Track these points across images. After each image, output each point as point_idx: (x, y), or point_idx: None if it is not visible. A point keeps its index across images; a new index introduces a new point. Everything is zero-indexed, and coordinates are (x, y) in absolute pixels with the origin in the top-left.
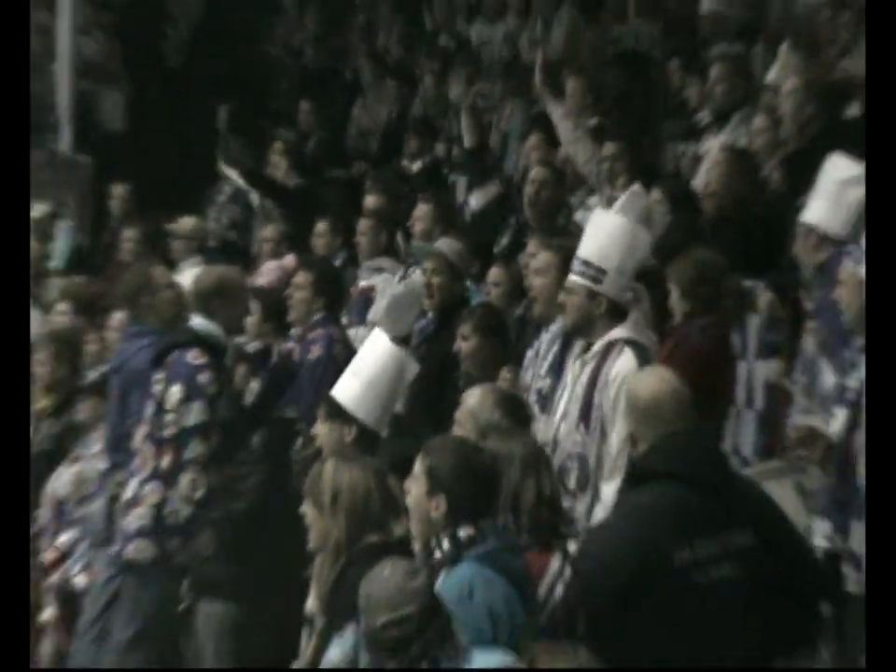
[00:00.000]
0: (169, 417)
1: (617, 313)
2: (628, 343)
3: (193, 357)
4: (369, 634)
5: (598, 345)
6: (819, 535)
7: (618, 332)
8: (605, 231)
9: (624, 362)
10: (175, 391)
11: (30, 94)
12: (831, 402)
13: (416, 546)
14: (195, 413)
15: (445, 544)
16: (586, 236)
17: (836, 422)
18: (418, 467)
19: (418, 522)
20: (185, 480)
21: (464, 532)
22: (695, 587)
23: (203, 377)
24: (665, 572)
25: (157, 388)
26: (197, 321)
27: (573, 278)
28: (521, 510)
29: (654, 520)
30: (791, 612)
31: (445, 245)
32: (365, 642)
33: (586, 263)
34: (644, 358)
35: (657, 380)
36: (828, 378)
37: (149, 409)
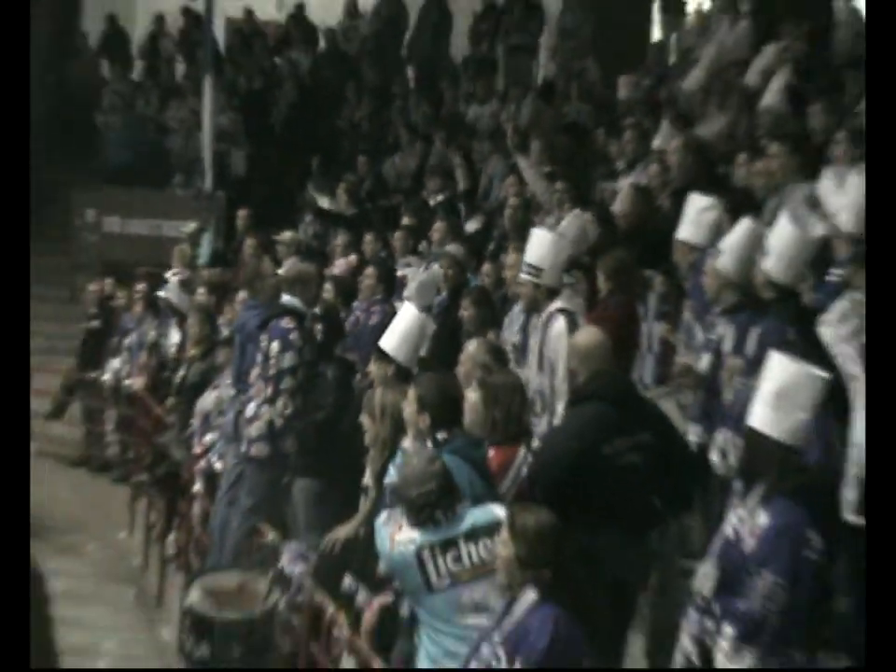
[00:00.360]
0: (271, 362)
1: (555, 293)
2: (560, 311)
3: (285, 322)
4: (404, 501)
5: (543, 316)
6: (693, 434)
7: (554, 305)
8: (540, 243)
9: (558, 324)
10: (275, 346)
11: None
12: (700, 350)
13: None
14: (287, 360)
15: (429, 444)
16: (529, 247)
17: (703, 361)
18: (411, 394)
19: (412, 431)
20: (279, 402)
21: (440, 435)
22: (615, 468)
23: (293, 335)
24: (596, 457)
25: (263, 344)
26: (286, 298)
27: (522, 276)
28: (509, 418)
29: (588, 425)
30: (677, 487)
31: (454, 249)
32: (401, 506)
33: (529, 265)
34: (571, 320)
35: (590, 334)
36: (699, 334)
37: (259, 357)
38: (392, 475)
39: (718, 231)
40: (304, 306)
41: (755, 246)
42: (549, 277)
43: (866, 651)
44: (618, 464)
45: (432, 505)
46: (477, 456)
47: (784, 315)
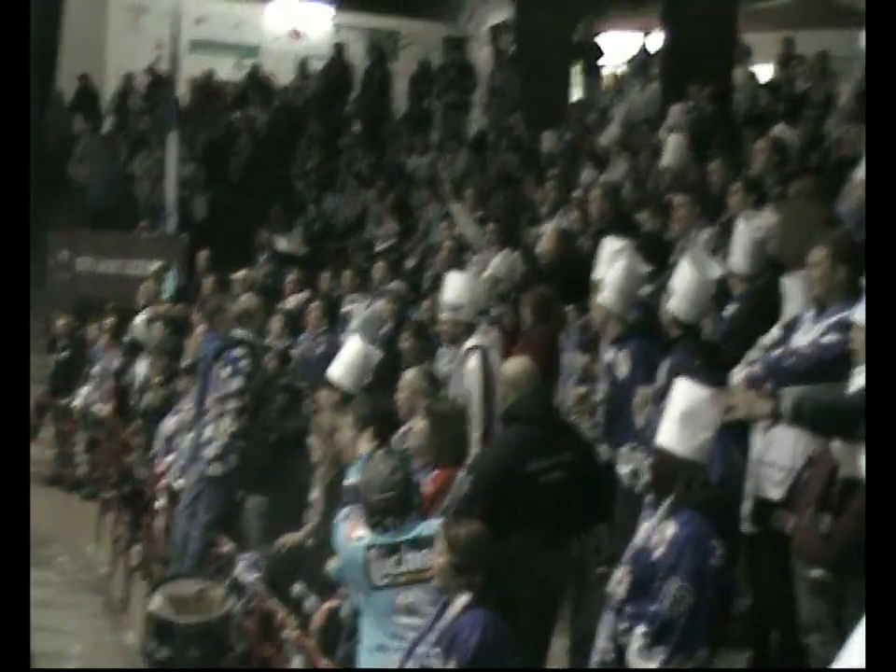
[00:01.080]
0: (220, 385)
1: (471, 328)
2: (475, 347)
3: (237, 352)
4: (367, 504)
5: (462, 351)
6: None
7: (470, 342)
8: (458, 284)
9: (473, 360)
10: (225, 372)
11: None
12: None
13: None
14: (235, 383)
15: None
16: (446, 289)
17: (601, 390)
18: (347, 419)
19: (347, 455)
20: (226, 420)
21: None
22: (540, 484)
23: (242, 363)
24: (522, 474)
25: (216, 373)
26: (237, 331)
27: (443, 315)
28: (453, 442)
29: (515, 445)
30: (595, 500)
31: (396, 286)
32: (362, 508)
33: (449, 304)
34: (484, 355)
35: (517, 362)
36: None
37: (213, 384)
38: (355, 477)
39: None
40: (254, 336)
41: (633, 282)
42: (466, 314)
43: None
44: (542, 480)
45: (387, 511)
46: (409, 469)
47: (690, 349)
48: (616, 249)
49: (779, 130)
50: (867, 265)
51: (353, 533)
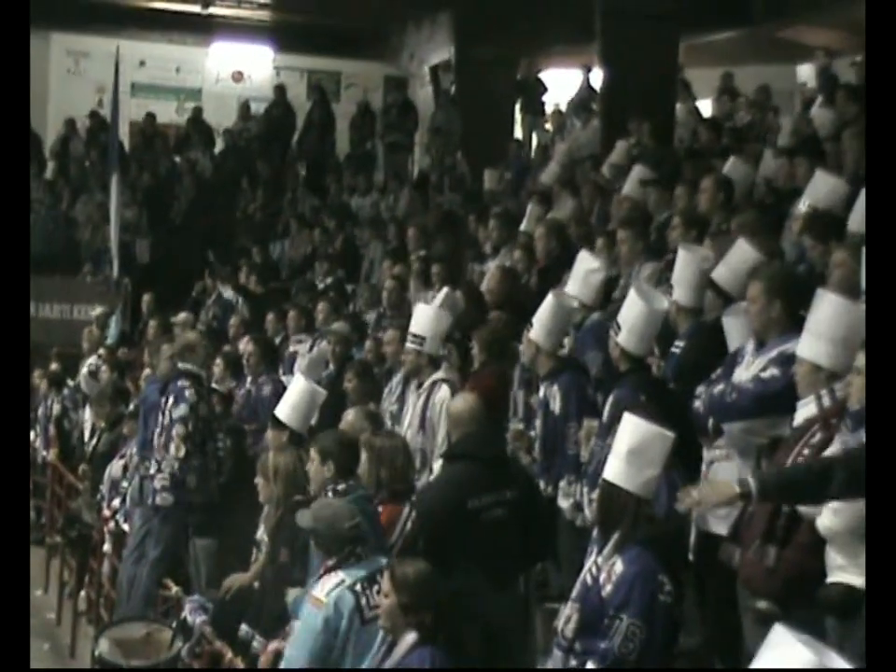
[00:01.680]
0: (166, 415)
1: (435, 362)
2: (444, 380)
3: (181, 382)
4: (333, 537)
5: (427, 383)
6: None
7: (438, 374)
8: (422, 315)
9: (443, 392)
10: (170, 400)
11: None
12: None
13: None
14: (179, 411)
15: (330, 494)
16: (413, 319)
17: (537, 425)
18: (313, 449)
19: (316, 483)
20: (171, 447)
21: (341, 486)
22: (481, 522)
23: (187, 392)
24: (463, 512)
25: (162, 405)
26: (181, 364)
27: (408, 345)
28: (394, 477)
29: (456, 482)
30: (539, 537)
31: (339, 327)
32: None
33: (413, 334)
34: (453, 389)
35: (462, 401)
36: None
37: (160, 418)
38: (307, 523)
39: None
40: (198, 368)
41: (563, 318)
42: (430, 346)
43: (866, 650)
44: (484, 518)
45: (357, 540)
46: (370, 509)
47: (637, 384)
48: (592, 268)
49: (731, 164)
50: (867, 266)
51: (327, 586)
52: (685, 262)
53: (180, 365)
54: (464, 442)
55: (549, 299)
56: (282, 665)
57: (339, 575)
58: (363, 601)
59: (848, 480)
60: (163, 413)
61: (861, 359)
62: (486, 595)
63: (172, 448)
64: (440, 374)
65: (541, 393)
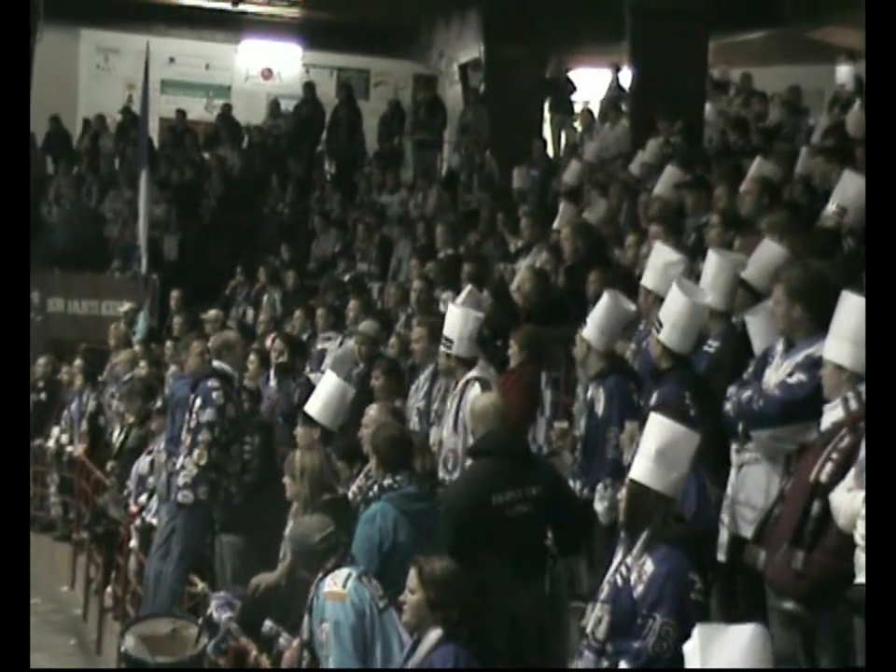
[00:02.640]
0: (193, 416)
1: (468, 362)
2: (477, 379)
3: (211, 383)
4: (307, 553)
5: (461, 383)
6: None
7: (470, 374)
8: (451, 317)
9: (474, 391)
10: (198, 402)
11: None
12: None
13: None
14: (206, 415)
15: (375, 489)
16: (446, 322)
17: (581, 426)
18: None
19: (364, 474)
20: (196, 452)
21: (386, 481)
22: (506, 517)
23: (215, 394)
24: (487, 507)
25: (191, 403)
26: (214, 363)
27: (441, 348)
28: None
29: (479, 478)
30: (565, 533)
31: (367, 325)
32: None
33: (445, 337)
34: (486, 387)
35: (485, 397)
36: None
37: (187, 415)
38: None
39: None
40: (231, 369)
41: (618, 319)
42: (457, 348)
43: (866, 652)
44: (509, 514)
45: (335, 549)
46: (413, 509)
47: (682, 381)
48: (671, 261)
49: (757, 164)
50: (867, 273)
51: (339, 579)
52: (719, 267)
53: (215, 363)
54: (487, 439)
55: (605, 298)
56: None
57: (343, 570)
58: (372, 590)
59: None
60: (191, 413)
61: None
62: (511, 591)
63: (195, 454)
64: (473, 373)
65: (588, 394)
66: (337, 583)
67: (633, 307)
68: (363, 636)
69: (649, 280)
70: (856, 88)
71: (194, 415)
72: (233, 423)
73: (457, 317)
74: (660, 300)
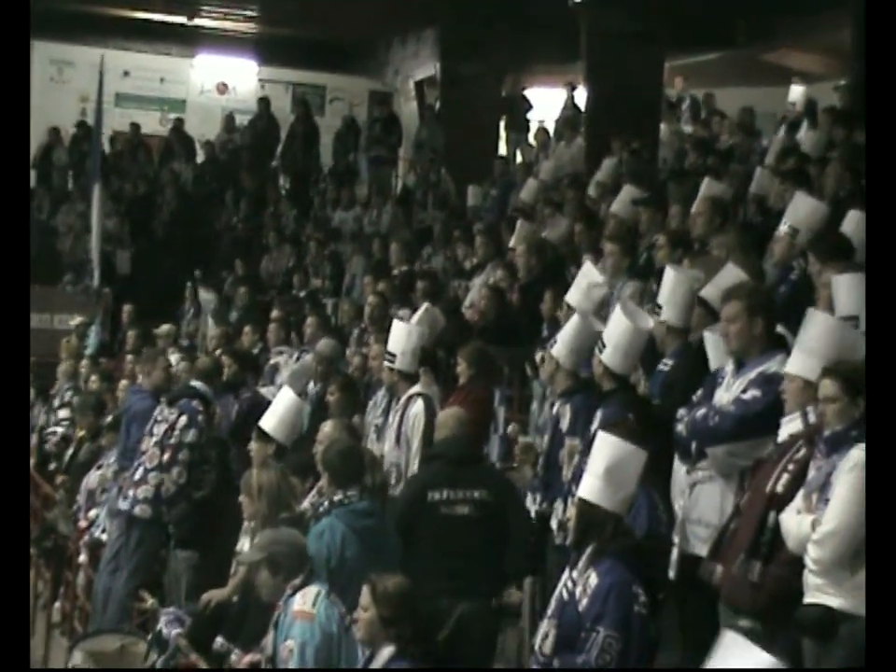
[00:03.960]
0: (175, 433)
1: (411, 377)
2: (419, 395)
3: (196, 404)
4: (295, 556)
5: (403, 399)
6: (533, 503)
7: (413, 389)
8: (395, 333)
9: (417, 406)
10: (182, 420)
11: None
12: (543, 429)
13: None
14: (190, 435)
15: (326, 504)
16: (390, 336)
17: (544, 441)
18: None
19: (316, 490)
20: (175, 471)
21: (337, 497)
22: (441, 515)
23: (200, 416)
24: (422, 504)
25: (171, 417)
26: (197, 383)
27: (384, 363)
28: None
29: (420, 477)
30: (513, 549)
31: (324, 344)
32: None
33: (388, 352)
34: (428, 403)
35: (446, 412)
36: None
37: (162, 427)
38: (257, 555)
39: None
40: (211, 395)
41: (587, 338)
42: (400, 363)
43: (866, 650)
44: (445, 512)
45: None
46: (362, 525)
47: (624, 402)
48: (595, 282)
49: (706, 184)
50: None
51: (308, 598)
52: (676, 282)
53: (197, 384)
54: (437, 445)
55: (574, 318)
56: None
57: (313, 588)
58: (341, 609)
59: None
60: (171, 428)
61: (827, 388)
62: (453, 596)
63: (174, 472)
64: (415, 389)
65: (554, 410)
66: (307, 602)
67: (603, 327)
68: (328, 656)
69: (571, 297)
70: (805, 109)
71: (177, 433)
72: (202, 447)
73: (401, 332)
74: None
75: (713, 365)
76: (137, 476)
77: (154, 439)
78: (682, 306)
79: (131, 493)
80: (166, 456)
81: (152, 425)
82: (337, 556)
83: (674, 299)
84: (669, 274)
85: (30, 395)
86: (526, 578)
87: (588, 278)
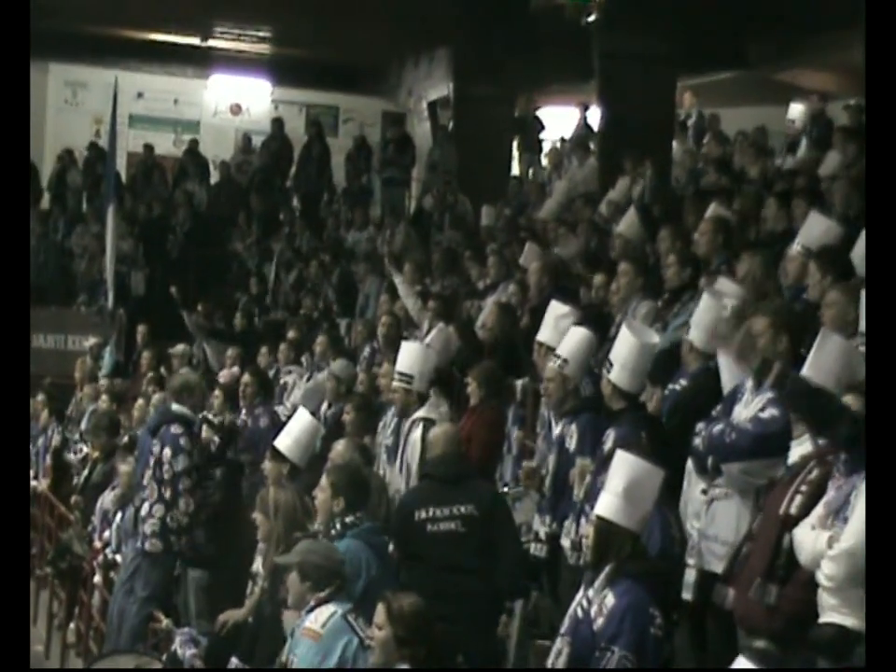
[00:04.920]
0: (165, 467)
1: (422, 398)
2: (423, 420)
3: (175, 428)
4: (327, 569)
5: (408, 423)
6: (542, 525)
7: (418, 413)
8: (410, 353)
9: (417, 432)
10: (167, 452)
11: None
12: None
13: (318, 525)
14: (180, 463)
15: (339, 526)
16: (400, 357)
17: (550, 462)
18: (325, 480)
19: (324, 514)
20: (181, 502)
21: (349, 519)
22: (428, 533)
23: (182, 440)
24: (410, 523)
25: (155, 449)
26: (174, 406)
27: (394, 384)
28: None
29: (407, 498)
30: (502, 566)
31: (337, 365)
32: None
33: (401, 373)
34: (428, 428)
35: (440, 428)
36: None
37: (151, 461)
38: (292, 559)
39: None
40: (192, 412)
41: (593, 354)
42: (418, 383)
43: (866, 652)
44: (431, 529)
45: (345, 575)
46: (378, 542)
47: (636, 421)
48: (561, 314)
49: (713, 208)
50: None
51: (321, 618)
52: (707, 306)
53: (174, 406)
54: (427, 464)
55: (579, 331)
56: None
57: (330, 607)
58: (357, 629)
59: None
60: (158, 461)
61: (851, 405)
62: (469, 637)
63: (182, 503)
64: (420, 413)
65: (558, 430)
66: (318, 621)
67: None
68: None
69: (542, 335)
70: (808, 126)
71: (167, 465)
72: (200, 467)
73: (417, 353)
74: (551, 350)
75: (724, 382)
76: (143, 512)
77: (150, 472)
78: (709, 330)
79: (140, 530)
80: (167, 492)
81: (147, 456)
82: (365, 575)
83: (702, 322)
84: (704, 298)
85: (29, 412)
86: (517, 601)
87: (553, 312)
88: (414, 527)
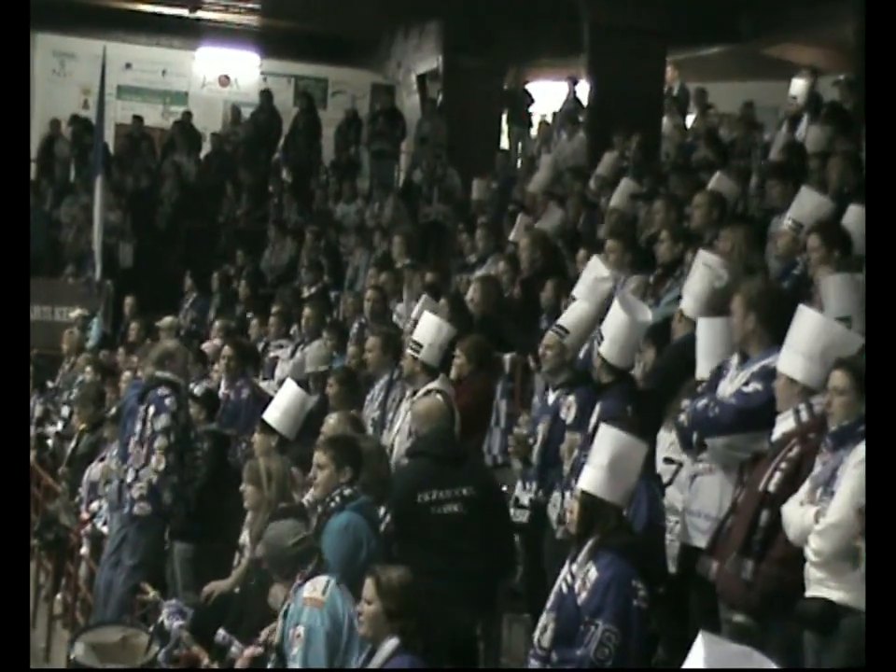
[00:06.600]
0: (147, 426)
1: (432, 371)
2: (438, 391)
3: (161, 391)
4: (277, 556)
5: (422, 391)
6: (528, 494)
7: (433, 384)
8: (425, 324)
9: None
10: (151, 410)
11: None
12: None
13: (314, 499)
14: (161, 421)
15: (338, 499)
16: (418, 326)
17: (540, 431)
18: (323, 455)
19: (326, 488)
20: (153, 459)
21: (347, 491)
22: (433, 516)
23: (167, 400)
24: (413, 506)
25: (141, 414)
26: (159, 372)
27: (407, 350)
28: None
29: (407, 477)
30: (497, 546)
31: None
32: (273, 565)
33: (414, 341)
34: (446, 399)
35: (428, 401)
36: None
37: (138, 426)
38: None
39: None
40: (176, 376)
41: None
42: (426, 354)
43: (866, 650)
44: (436, 512)
45: (306, 555)
46: (375, 516)
47: (623, 395)
48: (601, 276)
49: (717, 179)
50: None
51: (319, 585)
52: (700, 275)
53: (158, 373)
54: (421, 441)
55: (582, 305)
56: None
57: (322, 577)
58: (351, 599)
59: None
60: (143, 422)
61: (837, 379)
62: (450, 595)
63: (153, 460)
64: (434, 384)
65: (550, 399)
66: (317, 589)
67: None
68: (336, 643)
69: (577, 291)
70: (806, 102)
71: (148, 424)
72: (185, 430)
73: (432, 325)
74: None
75: (699, 350)
76: (130, 478)
77: (136, 437)
78: (699, 299)
79: (128, 495)
80: (144, 449)
81: (134, 423)
82: (365, 549)
83: (694, 290)
84: (696, 266)
85: (29, 387)
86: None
87: (594, 272)
88: (418, 510)
